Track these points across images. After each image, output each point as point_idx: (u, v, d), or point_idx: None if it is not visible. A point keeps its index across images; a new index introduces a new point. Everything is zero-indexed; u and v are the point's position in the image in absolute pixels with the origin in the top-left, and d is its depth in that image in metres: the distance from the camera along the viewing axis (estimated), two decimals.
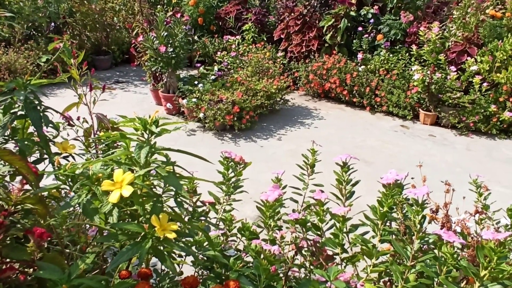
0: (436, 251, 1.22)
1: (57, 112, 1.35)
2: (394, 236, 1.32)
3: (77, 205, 0.89)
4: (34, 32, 6.67)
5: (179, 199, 0.92)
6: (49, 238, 1.06)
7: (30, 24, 6.47)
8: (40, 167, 1.42)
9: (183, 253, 1.02)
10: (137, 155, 0.84)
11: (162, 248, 0.88)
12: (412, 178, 1.45)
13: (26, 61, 5.82)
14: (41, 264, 0.91)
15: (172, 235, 0.84)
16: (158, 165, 0.90)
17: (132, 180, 0.84)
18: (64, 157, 1.34)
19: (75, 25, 6.97)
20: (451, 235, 1.19)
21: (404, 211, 1.38)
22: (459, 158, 4.17)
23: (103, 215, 0.87)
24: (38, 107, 1.32)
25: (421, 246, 1.17)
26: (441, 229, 1.39)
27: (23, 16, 6.10)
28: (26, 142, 1.27)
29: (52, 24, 6.75)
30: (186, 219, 1.10)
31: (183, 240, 1.00)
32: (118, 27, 7.26)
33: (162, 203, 0.89)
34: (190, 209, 1.60)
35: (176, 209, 1.05)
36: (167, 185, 0.98)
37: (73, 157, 1.35)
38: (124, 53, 7.33)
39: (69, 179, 0.92)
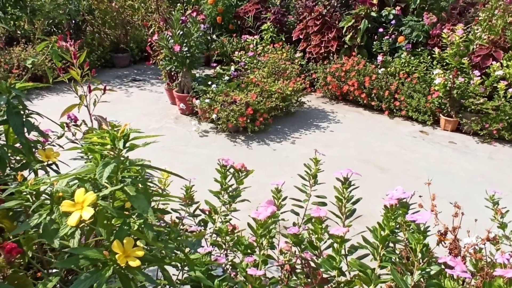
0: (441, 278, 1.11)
1: (41, 116, 1.29)
2: (396, 260, 1.21)
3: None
4: (54, 29, 6.73)
5: (149, 222, 0.84)
6: (19, 254, 1.00)
7: (51, 21, 6.54)
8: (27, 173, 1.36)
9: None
10: (99, 174, 0.76)
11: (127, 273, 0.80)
12: (420, 196, 1.33)
13: (45, 58, 5.87)
14: (1, 286, 0.84)
15: (135, 263, 0.76)
16: (127, 183, 0.82)
17: (94, 201, 0.77)
18: (48, 165, 1.28)
19: (94, 22, 7.01)
20: (458, 263, 1.08)
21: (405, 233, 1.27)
22: (480, 167, 3.97)
23: (65, 236, 0.80)
24: (21, 112, 1.27)
25: (422, 276, 1.06)
26: (449, 254, 1.28)
27: (44, 13, 6.15)
28: (7, 149, 1.22)
29: (72, 21, 6.81)
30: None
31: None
32: (137, 25, 7.27)
33: (130, 226, 0.81)
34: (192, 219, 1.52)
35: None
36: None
37: (57, 166, 1.29)
38: (143, 51, 7.32)
39: (33, 196, 0.86)
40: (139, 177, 0.88)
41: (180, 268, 1.10)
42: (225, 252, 1.68)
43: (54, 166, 1.30)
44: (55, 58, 1.46)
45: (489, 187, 3.75)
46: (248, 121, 4.43)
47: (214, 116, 4.47)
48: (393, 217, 1.13)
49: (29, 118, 1.31)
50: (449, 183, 3.56)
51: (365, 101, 5.27)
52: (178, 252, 1.06)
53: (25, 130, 1.25)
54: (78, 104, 1.92)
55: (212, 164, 4.15)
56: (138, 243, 0.93)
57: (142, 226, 0.82)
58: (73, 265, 0.77)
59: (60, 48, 1.50)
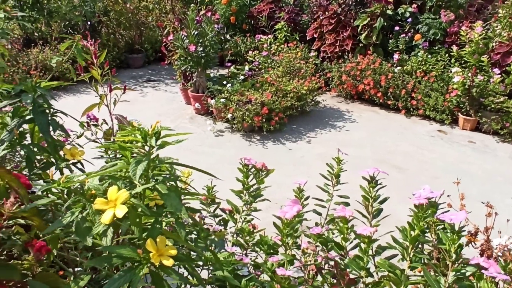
0: (474, 281, 1.08)
1: (66, 115, 1.29)
2: (425, 261, 1.18)
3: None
4: (70, 30, 6.80)
5: (180, 220, 0.83)
6: (48, 252, 1.00)
7: (67, 22, 6.60)
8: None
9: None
10: (132, 172, 0.75)
11: (160, 273, 0.79)
12: (449, 195, 1.30)
13: (62, 59, 5.93)
14: (32, 283, 0.84)
15: (169, 262, 0.75)
16: (159, 181, 0.81)
17: (127, 199, 0.76)
18: (73, 164, 1.28)
19: (109, 23, 7.07)
20: (492, 265, 1.05)
21: (438, 233, 1.24)
22: (501, 167, 3.90)
23: (97, 235, 0.79)
24: (47, 111, 1.27)
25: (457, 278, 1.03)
26: (481, 256, 1.24)
27: (60, 15, 6.22)
28: (33, 148, 1.22)
29: (88, 22, 6.87)
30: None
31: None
32: (151, 26, 7.31)
33: (162, 224, 0.80)
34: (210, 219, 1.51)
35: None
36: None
37: (82, 164, 1.29)
38: (157, 51, 7.36)
39: (65, 193, 0.85)
40: (169, 175, 0.87)
41: (205, 268, 1.09)
42: (245, 252, 1.67)
43: (79, 165, 1.30)
44: (79, 57, 1.46)
45: (509, 187, 3.67)
46: (264, 120, 4.41)
47: (229, 115, 4.47)
48: (423, 217, 1.10)
49: (54, 117, 1.31)
50: (468, 183, 3.50)
51: (381, 100, 5.21)
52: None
53: (51, 129, 1.25)
54: (99, 103, 1.93)
55: (227, 163, 4.14)
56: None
57: (173, 224, 0.81)
58: (106, 264, 0.76)
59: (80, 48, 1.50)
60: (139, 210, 0.82)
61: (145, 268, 0.74)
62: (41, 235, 0.98)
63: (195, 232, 1.10)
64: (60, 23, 6.47)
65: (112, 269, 1.26)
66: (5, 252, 0.99)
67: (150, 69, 7.14)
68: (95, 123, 2.02)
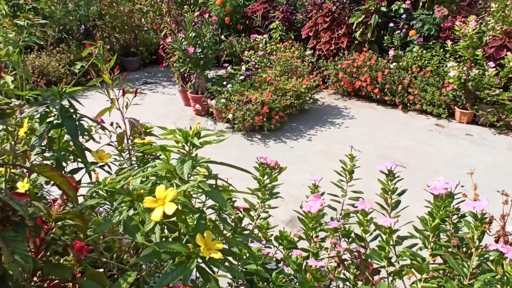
0: (492, 267, 1.13)
1: (92, 120, 1.32)
2: (446, 249, 1.23)
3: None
4: (65, 35, 6.80)
5: (223, 215, 0.87)
6: (88, 252, 1.03)
7: (62, 27, 6.60)
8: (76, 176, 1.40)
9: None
10: (179, 170, 0.79)
11: (206, 267, 0.83)
12: (462, 186, 1.35)
13: (58, 64, 5.93)
14: (82, 282, 0.88)
15: (218, 255, 0.79)
16: (200, 180, 0.85)
17: (175, 196, 0.80)
18: (100, 166, 1.31)
19: (104, 27, 7.07)
20: (510, 250, 1.10)
21: (456, 222, 1.29)
22: (499, 159, 3.98)
23: (144, 232, 0.83)
24: (74, 116, 1.30)
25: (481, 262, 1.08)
26: (496, 242, 1.30)
27: (55, 20, 6.21)
28: (62, 152, 1.25)
29: (83, 26, 6.86)
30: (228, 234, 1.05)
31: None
32: (146, 29, 7.32)
33: (206, 220, 0.84)
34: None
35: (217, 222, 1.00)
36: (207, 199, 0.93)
37: (109, 166, 1.32)
38: (152, 54, 7.38)
39: (109, 194, 0.89)
40: (209, 173, 0.91)
41: (237, 260, 1.13)
42: (263, 247, 1.71)
43: (106, 168, 1.33)
44: (101, 63, 1.49)
45: (509, 178, 3.74)
46: (264, 119, 4.46)
47: (230, 116, 4.51)
48: (443, 206, 1.16)
49: (81, 122, 1.35)
50: (469, 176, 3.56)
51: (378, 96, 5.28)
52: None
53: (79, 133, 1.28)
54: (110, 107, 1.95)
55: (231, 163, 4.17)
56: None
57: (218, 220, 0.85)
58: (156, 259, 0.80)
59: (102, 54, 1.53)
60: (179, 207, 0.86)
61: (195, 262, 0.78)
62: (81, 235, 1.01)
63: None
64: (54, 28, 6.46)
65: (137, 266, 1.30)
66: (48, 254, 1.02)
67: (146, 71, 7.16)
68: (105, 127, 2.05)
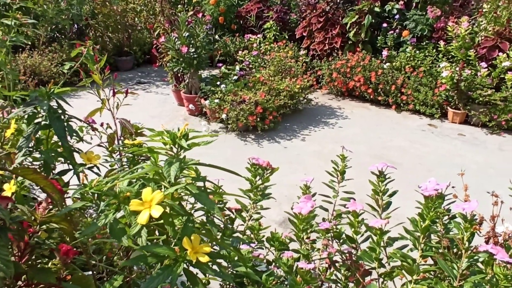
0: (483, 268, 1.13)
1: (81, 120, 1.31)
2: (436, 250, 1.23)
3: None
4: (57, 34, 6.75)
5: (211, 218, 0.86)
6: (76, 255, 1.02)
7: (54, 26, 6.55)
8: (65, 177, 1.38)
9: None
10: (166, 173, 0.78)
11: (193, 270, 0.82)
12: (453, 187, 1.35)
13: (50, 63, 5.89)
14: (67, 286, 0.86)
15: (205, 259, 0.78)
16: (188, 182, 0.84)
17: (162, 199, 0.79)
18: (89, 168, 1.30)
19: (97, 26, 7.02)
20: (500, 251, 1.10)
21: (446, 223, 1.29)
22: (491, 159, 4.00)
23: (131, 236, 0.82)
24: (62, 117, 1.29)
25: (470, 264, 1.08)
26: (486, 243, 1.30)
27: (47, 19, 6.17)
28: (51, 154, 1.24)
29: (75, 26, 6.82)
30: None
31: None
32: (139, 28, 7.28)
33: (194, 223, 0.83)
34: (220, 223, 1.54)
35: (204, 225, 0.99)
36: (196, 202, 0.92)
37: (98, 168, 1.31)
38: (146, 53, 7.35)
39: (96, 197, 0.88)
40: (197, 175, 0.90)
41: (227, 262, 1.12)
42: (252, 249, 1.70)
43: (95, 169, 1.32)
44: (90, 63, 1.47)
45: (500, 179, 3.76)
46: (258, 119, 4.45)
47: (224, 116, 4.49)
48: (434, 207, 1.15)
49: (69, 123, 1.33)
50: (461, 176, 3.58)
51: (371, 96, 5.29)
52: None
53: (67, 134, 1.27)
54: (101, 108, 1.94)
55: (224, 163, 4.16)
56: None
57: (205, 223, 0.84)
58: (142, 263, 0.79)
59: (92, 54, 1.52)
60: (167, 210, 0.85)
61: (182, 265, 0.77)
62: (67, 239, 1.00)
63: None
64: (47, 27, 6.42)
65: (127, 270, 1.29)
66: (33, 257, 1.01)
67: (140, 71, 7.12)
68: (96, 127, 2.03)
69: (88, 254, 1.17)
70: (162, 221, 0.84)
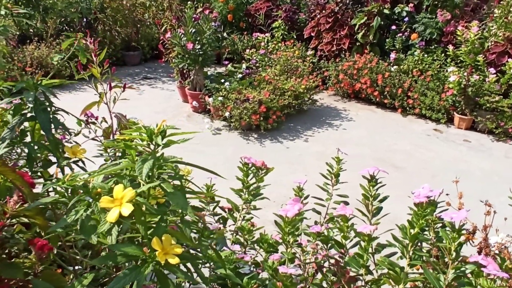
0: (472, 279, 1.09)
1: (67, 113, 1.29)
2: (425, 259, 1.20)
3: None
4: (66, 27, 6.77)
5: (185, 218, 0.84)
6: (50, 251, 1.00)
7: (63, 19, 6.57)
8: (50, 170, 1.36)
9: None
10: (138, 170, 0.76)
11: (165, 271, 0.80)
12: (447, 194, 1.31)
13: (63, 56, 5.91)
14: (35, 282, 0.84)
15: (175, 260, 0.75)
16: (163, 180, 0.82)
17: (133, 197, 0.76)
18: (74, 162, 1.28)
19: (106, 20, 7.03)
20: (491, 263, 1.06)
21: (437, 231, 1.25)
22: (496, 166, 3.93)
23: (102, 233, 0.80)
24: (48, 109, 1.27)
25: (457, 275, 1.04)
26: (479, 254, 1.26)
27: (56, 12, 6.18)
28: (34, 146, 1.22)
29: (84, 19, 6.83)
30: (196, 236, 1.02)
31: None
32: (148, 23, 7.28)
33: (167, 222, 0.80)
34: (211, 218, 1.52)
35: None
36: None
37: (83, 162, 1.29)
38: (154, 49, 7.34)
39: (69, 192, 0.86)
40: (174, 174, 0.87)
41: (206, 266, 1.10)
42: (244, 250, 1.67)
43: (80, 163, 1.30)
44: (82, 55, 1.46)
45: (505, 186, 3.70)
46: (261, 119, 4.42)
47: (227, 114, 4.47)
48: (423, 215, 1.12)
49: (55, 115, 1.31)
50: (465, 182, 3.49)
51: (377, 99, 5.23)
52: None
53: (52, 127, 1.25)
54: (98, 101, 1.92)
55: (226, 162, 4.13)
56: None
57: (177, 223, 0.81)
58: (111, 262, 0.77)
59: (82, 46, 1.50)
60: (143, 208, 0.83)
61: (150, 266, 0.75)
62: (42, 234, 0.98)
63: (194, 231, 1.10)
64: (55, 20, 6.44)
65: (112, 268, 1.26)
66: (6, 251, 0.99)
67: (147, 66, 7.12)
68: (94, 121, 2.01)
69: (68, 250, 1.15)
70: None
